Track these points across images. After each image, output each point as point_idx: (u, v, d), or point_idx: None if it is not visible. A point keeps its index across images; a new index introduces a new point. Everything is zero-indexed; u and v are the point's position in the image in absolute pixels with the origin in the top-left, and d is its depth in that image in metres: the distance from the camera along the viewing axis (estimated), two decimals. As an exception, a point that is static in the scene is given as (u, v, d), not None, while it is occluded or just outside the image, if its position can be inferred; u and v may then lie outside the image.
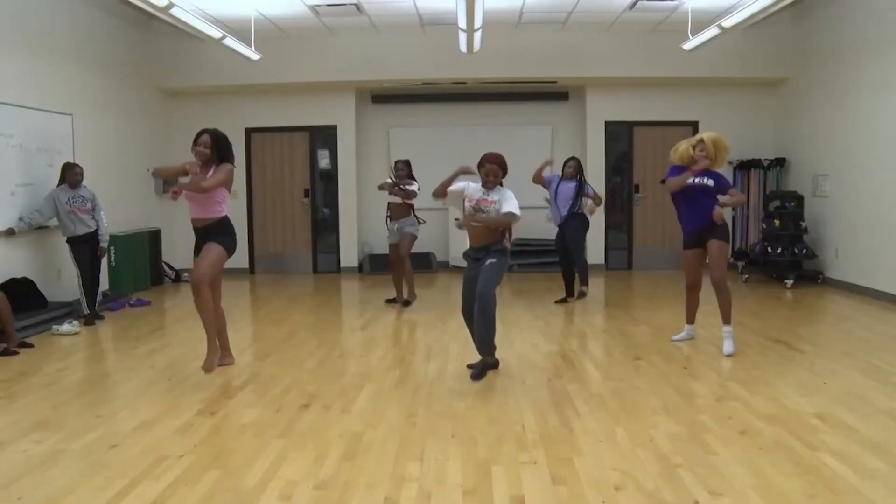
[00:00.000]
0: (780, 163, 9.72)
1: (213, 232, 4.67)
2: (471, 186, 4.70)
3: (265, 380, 4.73)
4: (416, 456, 3.35)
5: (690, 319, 5.54)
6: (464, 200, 4.68)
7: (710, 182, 5.17)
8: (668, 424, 3.73)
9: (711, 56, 9.02)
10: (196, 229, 4.71)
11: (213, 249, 4.64)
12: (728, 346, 5.19)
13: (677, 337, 5.57)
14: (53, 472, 3.19)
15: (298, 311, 7.41)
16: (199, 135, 4.67)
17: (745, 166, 9.92)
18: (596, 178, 10.23)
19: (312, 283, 9.58)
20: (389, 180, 7.29)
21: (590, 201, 7.45)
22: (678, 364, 5.00)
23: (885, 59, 7.33)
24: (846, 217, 8.25)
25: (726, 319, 5.23)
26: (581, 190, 7.39)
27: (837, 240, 8.44)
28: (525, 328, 6.37)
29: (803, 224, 8.73)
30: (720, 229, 5.21)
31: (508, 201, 4.56)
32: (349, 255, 10.44)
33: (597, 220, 10.10)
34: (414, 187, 7.13)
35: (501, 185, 4.69)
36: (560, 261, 7.54)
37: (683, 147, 5.23)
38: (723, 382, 4.51)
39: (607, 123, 10.25)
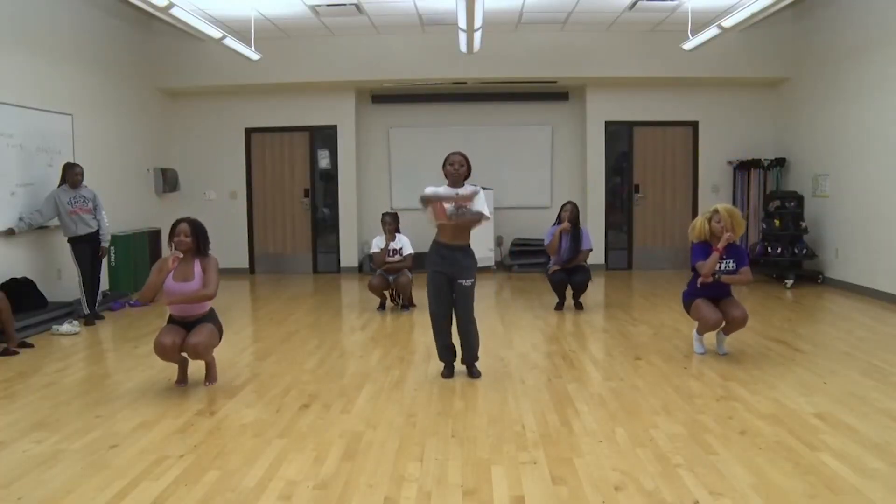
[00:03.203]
0: (780, 163, 9.72)
1: (203, 320, 4.53)
2: (440, 190, 4.64)
3: (265, 380, 4.73)
4: (416, 456, 3.35)
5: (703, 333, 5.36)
6: (438, 208, 4.54)
7: (733, 264, 5.11)
8: (668, 424, 3.73)
9: (711, 56, 9.03)
10: (179, 320, 4.50)
11: (209, 327, 4.49)
12: (722, 348, 5.26)
13: (701, 350, 5.31)
14: (53, 472, 3.19)
15: (298, 311, 7.41)
16: (175, 224, 4.48)
17: (745, 166, 9.93)
18: (596, 178, 10.27)
19: (312, 283, 9.58)
20: (379, 246, 7.16)
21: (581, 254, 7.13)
22: (678, 364, 5.00)
23: (885, 58, 7.33)
24: (846, 217, 8.25)
25: (728, 333, 5.26)
26: (579, 241, 7.05)
27: (837, 240, 8.44)
28: (525, 328, 6.37)
29: (803, 224, 8.73)
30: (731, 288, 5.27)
31: (482, 203, 4.57)
32: (349, 255, 10.44)
33: (597, 220, 10.15)
34: (410, 250, 7.15)
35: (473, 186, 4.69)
36: (558, 285, 7.17)
37: (699, 223, 5.17)
38: (723, 382, 4.51)
39: (607, 123, 10.25)
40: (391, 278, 7.21)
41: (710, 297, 5.18)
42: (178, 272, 4.44)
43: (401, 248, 7.18)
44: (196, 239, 4.49)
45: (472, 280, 4.66)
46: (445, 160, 4.68)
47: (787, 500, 2.83)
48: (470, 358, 4.78)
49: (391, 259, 7.14)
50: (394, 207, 9.86)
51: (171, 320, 4.55)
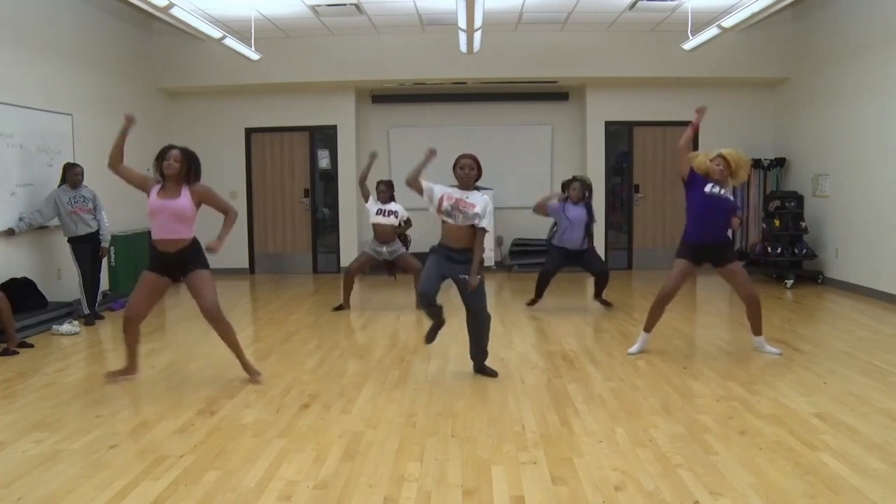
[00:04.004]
0: (780, 163, 9.72)
1: (191, 256, 4.47)
2: (444, 188, 4.60)
3: (265, 380, 4.72)
4: (416, 456, 3.35)
5: (650, 328, 5.34)
6: (441, 200, 4.55)
7: (725, 192, 5.08)
8: (668, 424, 3.73)
9: (711, 56, 9.04)
10: (164, 254, 4.42)
11: (205, 277, 4.51)
12: (766, 347, 5.20)
13: (634, 349, 5.31)
14: (53, 472, 3.19)
15: (298, 311, 7.41)
16: (166, 149, 4.43)
17: (745, 166, 9.92)
18: (596, 178, 10.20)
19: (312, 283, 9.58)
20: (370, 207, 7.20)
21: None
22: (678, 364, 5.00)
23: (885, 58, 7.33)
24: (846, 217, 8.25)
25: (757, 330, 5.20)
26: (591, 217, 6.95)
27: (837, 240, 8.44)
28: (525, 328, 6.37)
29: (803, 224, 8.74)
30: (732, 252, 5.19)
31: (487, 215, 4.53)
32: (349, 256, 10.40)
33: (597, 220, 10.13)
34: (405, 214, 7.18)
35: (478, 188, 4.65)
36: (546, 272, 7.05)
37: (702, 156, 5.18)
38: (723, 382, 4.51)
39: (607, 123, 10.25)
40: (386, 250, 7.12)
41: (701, 247, 5.09)
42: (162, 192, 4.41)
43: (396, 211, 7.15)
44: (187, 164, 4.43)
45: (478, 276, 4.58)
46: (456, 163, 4.61)
47: (787, 500, 2.83)
48: (478, 354, 4.76)
49: (384, 220, 7.11)
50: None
51: (154, 251, 4.48)
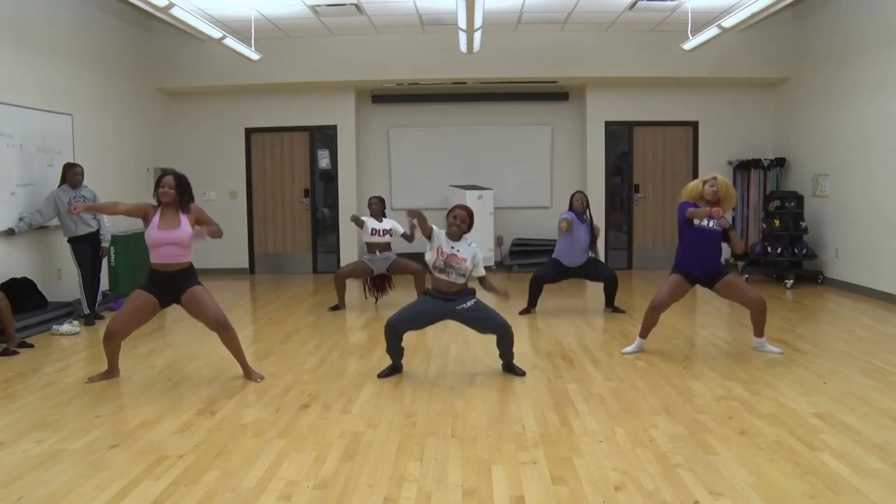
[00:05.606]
0: (780, 163, 9.72)
1: (189, 276, 4.64)
2: (440, 235, 4.72)
3: (265, 380, 4.72)
4: (416, 456, 3.35)
5: (645, 334, 5.39)
6: (437, 252, 4.65)
7: (718, 227, 5.13)
8: (668, 424, 3.73)
9: (711, 56, 9.04)
10: (162, 274, 4.57)
11: (202, 291, 4.64)
12: (767, 346, 5.24)
13: (629, 349, 5.36)
14: (53, 472, 3.19)
15: (298, 311, 7.41)
16: (161, 176, 4.65)
17: (745, 166, 9.93)
18: (596, 178, 10.27)
19: (312, 283, 9.58)
20: (368, 225, 7.20)
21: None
22: (678, 364, 5.00)
23: (885, 58, 7.33)
24: (846, 217, 8.25)
25: (760, 332, 5.24)
26: (592, 229, 6.88)
27: (837, 240, 8.44)
28: (525, 328, 6.37)
29: (803, 224, 8.74)
30: (722, 268, 5.21)
31: (480, 265, 4.72)
32: (349, 256, 10.42)
33: (597, 221, 10.10)
34: (401, 230, 7.21)
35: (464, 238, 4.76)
36: (538, 277, 6.97)
37: (694, 183, 5.22)
38: (723, 382, 4.51)
39: (607, 123, 10.25)
40: (379, 257, 7.17)
41: (698, 275, 5.15)
42: (162, 222, 4.56)
43: (390, 229, 7.20)
44: (179, 192, 4.61)
45: (473, 300, 4.68)
46: (450, 210, 4.74)
47: (787, 500, 2.83)
48: (506, 357, 4.83)
49: (380, 239, 7.16)
50: (394, 208, 9.86)
51: (152, 273, 4.62)
